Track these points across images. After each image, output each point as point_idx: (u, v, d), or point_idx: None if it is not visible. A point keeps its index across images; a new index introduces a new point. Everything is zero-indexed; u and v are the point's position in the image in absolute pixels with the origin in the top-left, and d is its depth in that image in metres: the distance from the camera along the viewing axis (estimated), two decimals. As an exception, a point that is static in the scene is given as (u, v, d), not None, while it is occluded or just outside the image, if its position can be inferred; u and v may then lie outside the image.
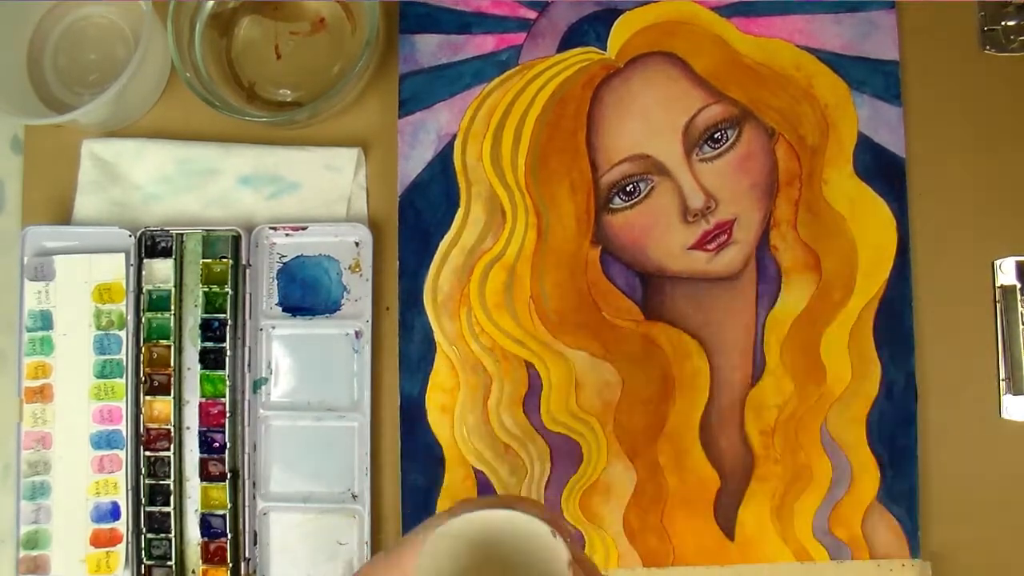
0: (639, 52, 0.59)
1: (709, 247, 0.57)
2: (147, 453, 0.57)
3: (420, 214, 0.59)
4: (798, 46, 0.59)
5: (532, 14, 0.60)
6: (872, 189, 0.58)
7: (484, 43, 0.60)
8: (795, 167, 0.58)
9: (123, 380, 0.58)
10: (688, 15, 0.59)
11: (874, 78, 0.58)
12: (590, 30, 0.59)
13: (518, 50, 0.60)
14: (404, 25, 0.60)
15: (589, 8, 0.60)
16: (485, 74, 0.59)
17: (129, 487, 0.57)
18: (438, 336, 0.58)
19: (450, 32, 0.60)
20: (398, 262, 0.58)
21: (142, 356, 0.58)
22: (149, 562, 0.57)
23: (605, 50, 0.59)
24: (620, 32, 0.59)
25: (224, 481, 0.57)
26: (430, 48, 0.60)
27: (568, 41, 0.59)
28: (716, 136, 0.58)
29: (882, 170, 0.58)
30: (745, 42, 0.59)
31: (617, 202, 0.58)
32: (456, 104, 0.59)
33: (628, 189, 0.58)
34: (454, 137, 0.59)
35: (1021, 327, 0.57)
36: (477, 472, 0.57)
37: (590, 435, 0.57)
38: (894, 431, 0.56)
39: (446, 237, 0.58)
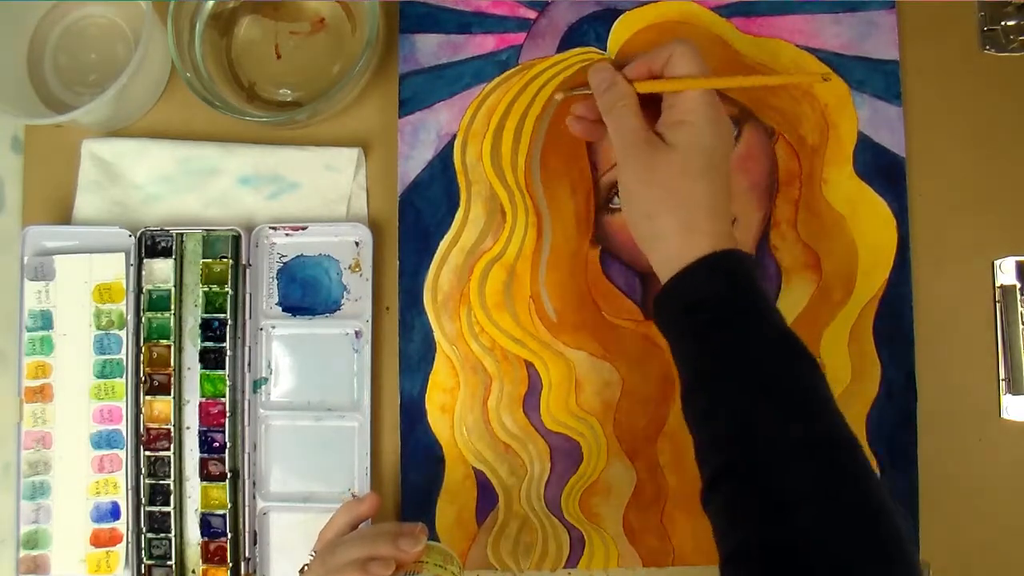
0: (639, 52, 0.59)
1: (709, 247, 0.57)
2: (147, 453, 0.57)
3: (420, 214, 0.59)
4: (798, 46, 0.59)
5: (532, 14, 0.60)
6: (872, 189, 0.58)
7: (484, 43, 0.60)
8: (795, 167, 0.58)
9: (123, 380, 0.58)
10: (688, 15, 0.59)
11: (874, 78, 0.58)
12: (590, 30, 0.59)
13: (518, 50, 0.60)
14: (404, 25, 0.60)
15: (589, 8, 0.60)
16: (485, 74, 0.59)
17: (129, 487, 0.57)
18: (438, 336, 0.58)
19: (450, 32, 0.60)
20: (398, 262, 0.58)
21: (142, 356, 0.58)
22: (149, 562, 0.57)
23: (605, 50, 0.59)
24: (620, 32, 0.59)
25: (224, 481, 0.57)
26: (430, 48, 0.60)
27: (568, 41, 0.59)
28: (716, 136, 0.58)
29: (882, 170, 0.58)
30: (745, 42, 0.59)
31: (617, 202, 0.58)
32: (456, 104, 0.59)
33: (628, 189, 0.58)
34: (454, 137, 0.59)
35: (1021, 327, 0.57)
36: (477, 472, 0.57)
37: (590, 435, 0.57)
38: (894, 431, 0.56)
39: (446, 237, 0.58)
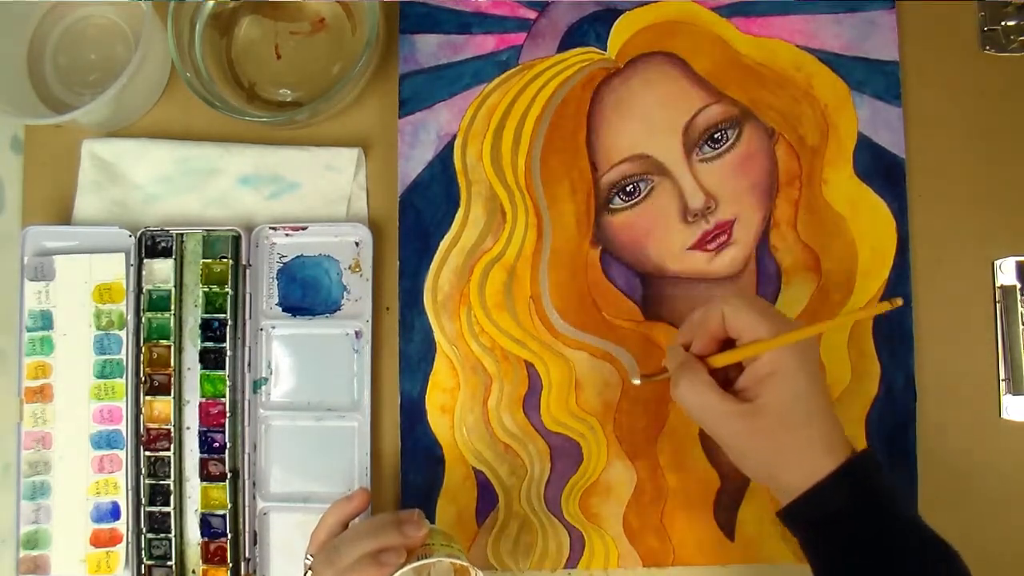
0: (639, 52, 0.59)
1: (709, 247, 0.57)
2: (147, 453, 0.57)
3: (420, 214, 0.59)
4: (798, 46, 0.59)
5: (532, 14, 0.60)
6: (872, 189, 0.58)
7: (484, 43, 0.60)
8: (795, 167, 0.58)
9: (123, 380, 0.58)
10: (688, 15, 0.59)
11: (874, 78, 0.58)
12: (590, 30, 0.59)
13: (518, 50, 0.60)
14: (404, 25, 0.60)
15: (589, 8, 0.60)
16: (485, 74, 0.59)
17: (129, 487, 0.57)
18: (438, 336, 0.58)
19: (450, 32, 0.60)
20: (398, 262, 0.58)
21: (142, 356, 0.58)
22: (149, 562, 0.57)
23: (605, 50, 0.59)
24: (620, 32, 0.59)
25: (224, 481, 0.57)
26: (430, 48, 0.60)
27: (568, 41, 0.59)
28: (716, 136, 0.58)
29: (882, 170, 0.58)
30: (745, 42, 0.59)
31: (617, 202, 0.58)
32: (456, 104, 0.59)
33: (628, 189, 0.58)
34: (454, 137, 0.59)
35: (1021, 327, 0.57)
36: (477, 472, 0.57)
37: (590, 435, 0.57)
38: (894, 431, 0.56)
39: (446, 237, 0.58)
